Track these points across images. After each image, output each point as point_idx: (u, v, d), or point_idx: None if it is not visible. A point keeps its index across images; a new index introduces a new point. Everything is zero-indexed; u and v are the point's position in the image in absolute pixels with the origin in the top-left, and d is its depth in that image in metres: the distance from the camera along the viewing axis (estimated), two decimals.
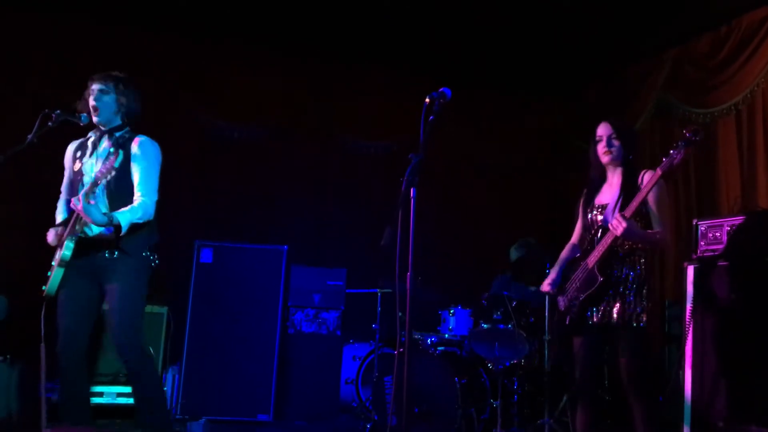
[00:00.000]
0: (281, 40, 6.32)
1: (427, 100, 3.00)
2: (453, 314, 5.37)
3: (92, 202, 3.33)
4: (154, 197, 3.55)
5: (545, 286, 3.70)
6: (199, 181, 6.24)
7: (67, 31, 5.85)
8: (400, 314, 2.96)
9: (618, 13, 5.49)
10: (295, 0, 5.57)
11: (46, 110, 3.50)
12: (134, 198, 3.51)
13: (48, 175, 5.39)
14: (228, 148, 6.38)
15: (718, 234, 3.99)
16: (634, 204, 3.29)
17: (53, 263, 3.49)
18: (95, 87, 3.58)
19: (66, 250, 3.41)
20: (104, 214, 3.37)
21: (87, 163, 3.60)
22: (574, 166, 6.85)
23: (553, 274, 3.71)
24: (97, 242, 3.49)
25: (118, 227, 3.39)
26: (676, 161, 3.24)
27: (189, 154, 6.15)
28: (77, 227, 3.44)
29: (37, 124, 3.45)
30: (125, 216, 3.40)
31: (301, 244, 5.95)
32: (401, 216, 2.89)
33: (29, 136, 3.46)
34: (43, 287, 3.49)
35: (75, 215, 3.45)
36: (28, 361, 4.89)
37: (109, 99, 3.58)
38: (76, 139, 3.76)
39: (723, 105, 5.45)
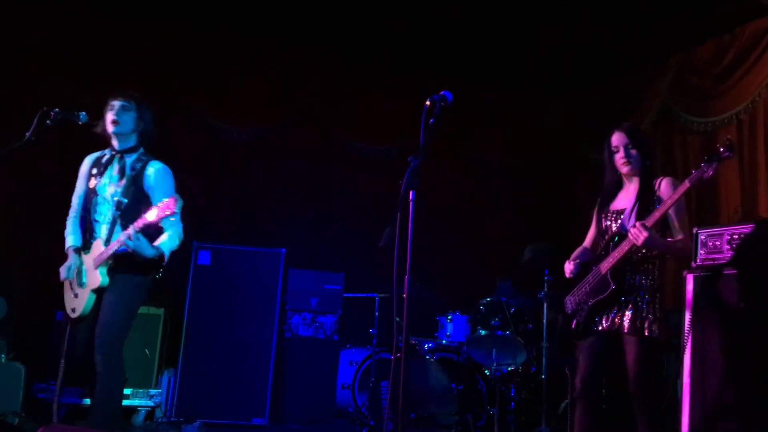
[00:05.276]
0: (283, 41, 6.31)
1: (428, 103, 2.98)
2: (451, 320, 5.35)
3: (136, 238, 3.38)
4: (180, 223, 3.59)
5: (569, 266, 3.57)
6: (197, 183, 6.21)
7: (68, 23, 5.81)
8: (397, 319, 2.94)
9: (622, 18, 5.48)
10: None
11: (45, 108, 3.46)
12: (166, 227, 3.53)
13: (49, 174, 5.45)
14: (227, 150, 6.37)
15: (718, 243, 3.95)
16: (657, 214, 3.21)
17: (70, 281, 3.58)
18: (117, 103, 3.57)
19: (102, 277, 3.45)
20: (152, 246, 3.44)
21: (101, 182, 3.57)
22: (577, 169, 6.85)
23: (569, 264, 3.60)
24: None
25: (162, 256, 3.49)
26: (706, 175, 3.10)
27: (187, 154, 6.13)
28: (108, 259, 3.44)
29: (35, 121, 3.41)
30: (167, 245, 3.52)
31: (300, 247, 5.93)
32: (400, 219, 2.87)
33: (27, 134, 3.42)
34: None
35: (99, 245, 3.46)
36: (32, 361, 4.90)
37: (129, 117, 3.58)
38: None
39: (724, 114, 5.44)
